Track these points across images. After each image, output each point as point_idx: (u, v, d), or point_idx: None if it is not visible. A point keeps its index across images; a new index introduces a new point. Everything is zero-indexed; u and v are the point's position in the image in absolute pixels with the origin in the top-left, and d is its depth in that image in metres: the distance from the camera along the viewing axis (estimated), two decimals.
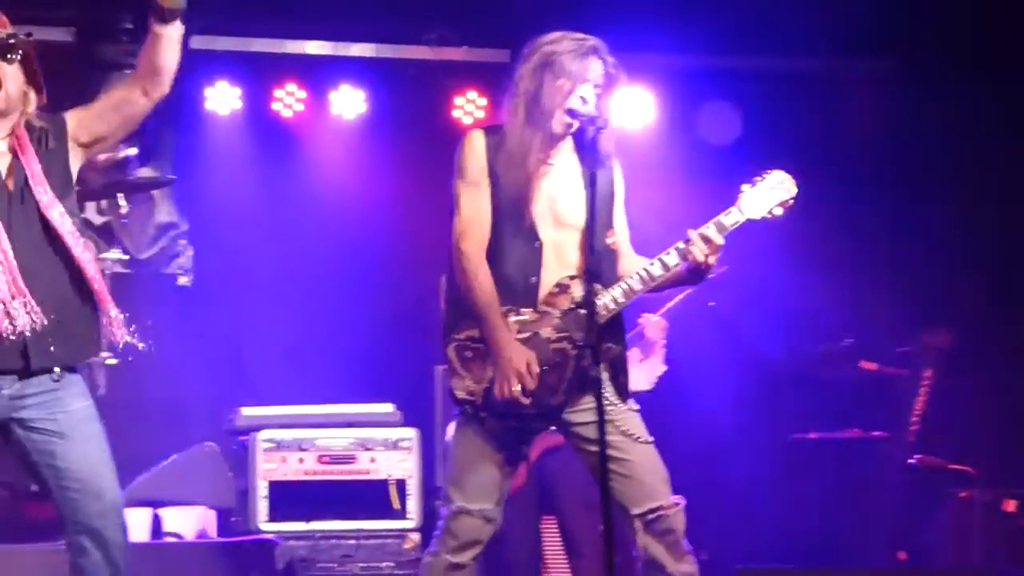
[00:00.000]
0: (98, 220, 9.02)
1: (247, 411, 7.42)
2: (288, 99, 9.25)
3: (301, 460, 7.21)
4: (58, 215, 4.87)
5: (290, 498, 7.15)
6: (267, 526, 7.08)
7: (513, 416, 5.17)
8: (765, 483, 8.79)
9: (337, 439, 7.28)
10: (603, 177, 5.20)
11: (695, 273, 5.25)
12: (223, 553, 6.99)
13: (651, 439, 5.26)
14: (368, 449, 7.28)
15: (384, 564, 7.13)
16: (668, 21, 8.59)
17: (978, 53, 8.77)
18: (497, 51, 9.03)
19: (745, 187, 5.30)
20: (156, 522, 7.39)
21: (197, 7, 8.62)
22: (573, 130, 5.20)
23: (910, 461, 8.23)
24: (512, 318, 5.16)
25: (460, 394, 5.20)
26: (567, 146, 5.30)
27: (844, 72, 9.44)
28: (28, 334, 4.76)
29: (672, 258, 5.21)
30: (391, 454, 7.28)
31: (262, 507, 7.11)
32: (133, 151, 8.18)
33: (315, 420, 7.36)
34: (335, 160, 9.32)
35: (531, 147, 5.16)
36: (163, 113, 8.85)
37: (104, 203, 8.93)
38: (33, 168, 4.89)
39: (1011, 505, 7.86)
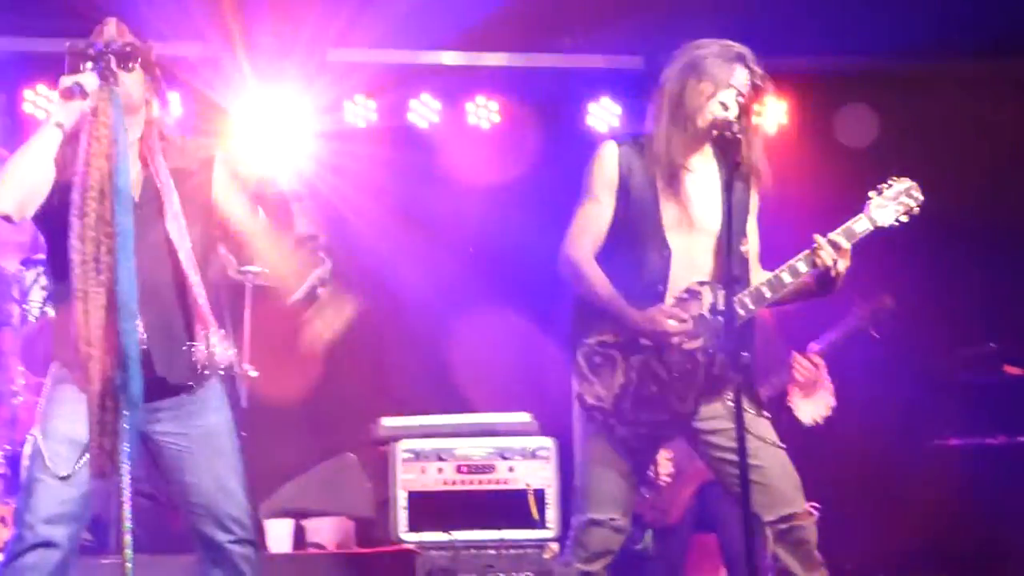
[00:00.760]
0: None
1: (386, 421, 7.46)
2: (423, 110, 9.31)
3: (440, 470, 7.23)
4: (177, 232, 4.93)
5: (430, 508, 7.16)
6: (407, 536, 7.10)
7: (643, 423, 5.14)
8: (904, 489, 8.67)
9: (476, 449, 7.28)
10: (740, 184, 5.17)
11: (823, 283, 5.18)
12: (364, 563, 7.04)
13: (783, 445, 5.20)
14: (506, 459, 7.28)
15: (523, 574, 7.12)
16: (802, 24, 8.50)
17: None
18: (631, 58, 9.02)
19: (872, 195, 5.25)
20: (298, 532, 7.47)
21: (333, 21, 8.79)
22: (713, 135, 5.18)
23: None
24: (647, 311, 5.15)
25: (589, 400, 5.19)
26: (707, 151, 5.28)
27: (982, 74, 9.29)
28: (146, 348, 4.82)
29: (802, 264, 5.17)
30: (529, 463, 7.28)
31: (402, 517, 7.14)
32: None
33: (454, 430, 7.38)
34: (471, 170, 9.35)
35: (672, 148, 5.17)
36: (305, 126, 9.01)
37: None
38: (162, 180, 4.96)
39: None
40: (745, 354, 5.13)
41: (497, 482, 7.26)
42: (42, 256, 7.26)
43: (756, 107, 5.30)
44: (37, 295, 7.16)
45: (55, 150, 4.82)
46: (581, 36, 9.09)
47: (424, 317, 9.06)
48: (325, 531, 7.50)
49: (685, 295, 5.18)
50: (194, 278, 4.96)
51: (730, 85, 5.15)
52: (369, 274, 9.08)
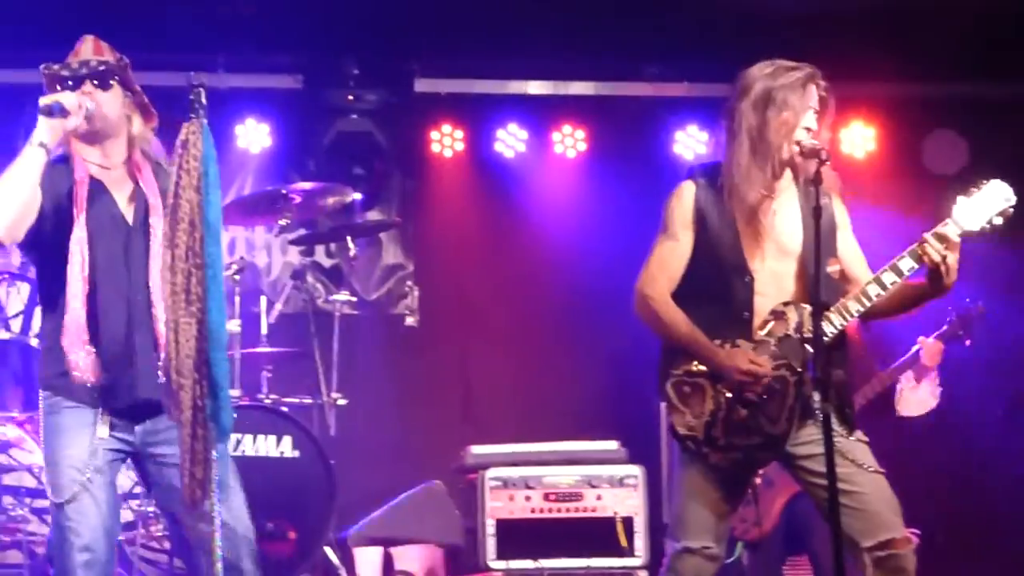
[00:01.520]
0: (327, 263, 9.23)
1: (474, 449, 7.48)
2: (510, 139, 9.35)
3: (528, 498, 7.24)
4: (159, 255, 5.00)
5: (518, 536, 7.17)
6: (495, 564, 7.11)
7: (735, 448, 5.13)
8: (1009, 514, 8.60)
9: (563, 477, 7.29)
10: (825, 206, 5.15)
11: (935, 280, 5.11)
12: None
13: (882, 470, 5.16)
14: (594, 487, 7.28)
15: None
16: (888, 49, 8.47)
17: None
18: (718, 85, 8.99)
19: (960, 198, 5.15)
20: (387, 560, 7.50)
21: (421, 52, 8.85)
22: (798, 161, 5.16)
23: None
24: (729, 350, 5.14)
25: (681, 430, 5.18)
26: (786, 175, 5.27)
27: None
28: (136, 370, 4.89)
29: (906, 262, 5.10)
30: (617, 491, 7.27)
31: (490, 545, 7.15)
32: (357, 195, 8.35)
33: (541, 458, 7.39)
34: (557, 199, 9.37)
35: (755, 182, 5.14)
36: (389, 157, 9.08)
37: (333, 246, 9.13)
38: (153, 201, 5.00)
39: None
40: (839, 372, 5.10)
41: (585, 510, 7.26)
42: None
43: (827, 121, 5.26)
44: None
45: (40, 170, 4.81)
46: (667, 63, 9.10)
47: (511, 346, 9.09)
48: (414, 559, 7.52)
49: (770, 317, 5.16)
50: (157, 302, 4.96)
51: (808, 108, 5.14)
52: (456, 304, 9.13)
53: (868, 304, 5.13)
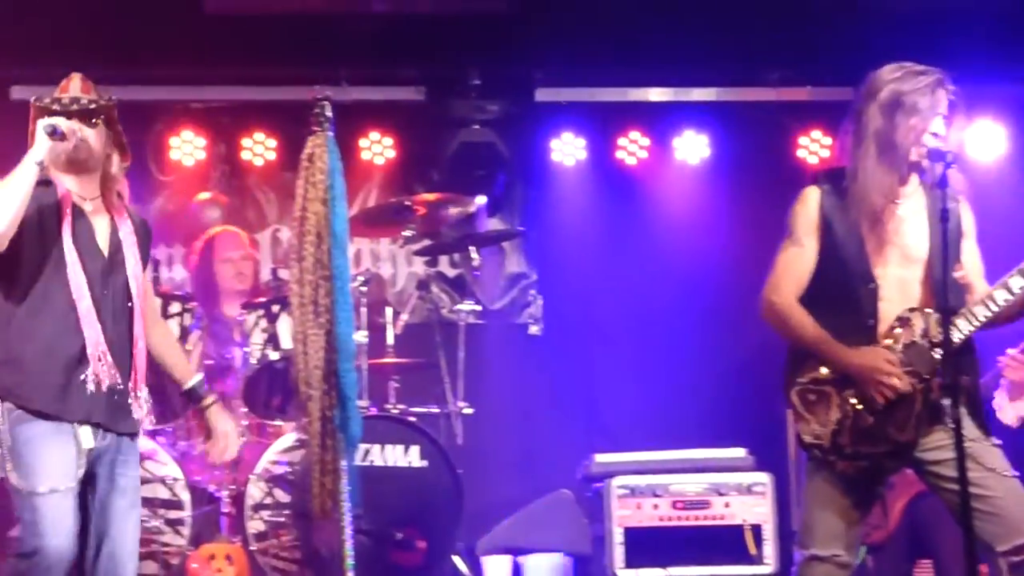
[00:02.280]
0: (451, 272, 9.28)
1: (601, 458, 7.48)
2: (632, 147, 9.34)
3: (656, 506, 7.23)
4: (137, 286, 5.07)
5: (646, 544, 7.16)
6: (624, 572, 7.11)
7: (863, 456, 5.08)
8: None
9: (691, 484, 7.27)
10: (952, 210, 5.09)
11: None
12: None
13: (1016, 474, 5.09)
14: (722, 494, 7.25)
15: None
16: (1016, 49, 8.34)
17: None
18: (841, 89, 8.91)
19: None
20: (516, 570, 7.52)
21: (543, 62, 8.87)
22: (924, 165, 5.11)
23: None
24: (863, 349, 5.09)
25: (807, 439, 5.15)
26: (912, 180, 5.22)
27: None
28: (107, 392, 4.93)
29: (1017, 280, 5.05)
30: (745, 499, 7.24)
31: (618, 553, 7.15)
32: (482, 199, 8.39)
33: (668, 466, 7.37)
34: (680, 206, 9.34)
35: (882, 187, 5.10)
36: (511, 167, 9.11)
37: (457, 256, 9.17)
38: (125, 235, 5.09)
39: None
40: (966, 377, 5.04)
41: (713, 518, 7.23)
42: (263, 300, 7.47)
43: (955, 124, 5.21)
44: (258, 338, 7.34)
45: (33, 185, 4.90)
46: (789, 68, 9.03)
47: (635, 353, 9.07)
48: (542, 568, 7.53)
49: (896, 323, 5.12)
50: (139, 332, 5.06)
51: (937, 113, 5.09)
52: (580, 312, 9.13)
53: (996, 310, 5.07)
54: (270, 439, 7.37)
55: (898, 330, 5.11)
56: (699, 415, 8.72)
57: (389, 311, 7.89)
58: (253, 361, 7.33)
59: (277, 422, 7.42)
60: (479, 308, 8.36)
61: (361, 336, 7.34)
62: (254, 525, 7.09)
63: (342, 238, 4.98)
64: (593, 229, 9.31)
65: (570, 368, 9.07)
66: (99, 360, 4.91)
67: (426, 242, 8.29)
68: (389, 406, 7.58)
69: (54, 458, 4.87)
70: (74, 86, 5.12)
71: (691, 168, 9.38)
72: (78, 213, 5.03)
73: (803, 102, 9.21)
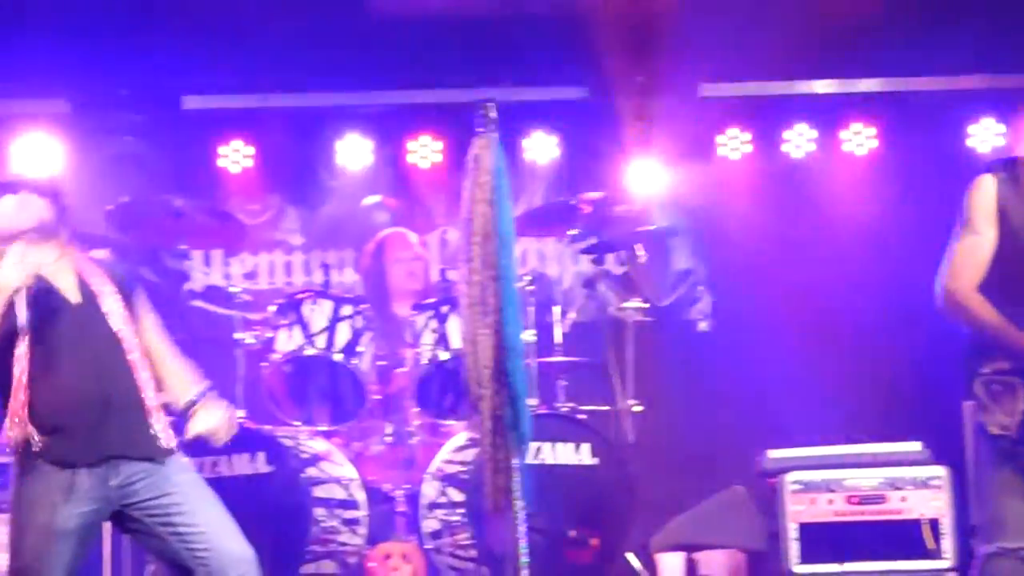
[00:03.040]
0: (618, 270, 9.28)
1: (774, 453, 7.42)
2: (798, 140, 9.26)
3: (830, 501, 7.15)
4: (121, 322, 5.16)
5: (821, 540, 7.10)
6: (799, 568, 7.05)
7: None
8: None
9: (866, 479, 7.18)
10: None
11: None
12: None
13: None
14: (898, 488, 7.16)
15: None
16: None
17: None
18: (1017, 77, 8.76)
19: None
20: (690, 566, 7.50)
21: (705, 57, 8.83)
22: None
23: None
24: None
25: (993, 430, 5.08)
26: None
27: None
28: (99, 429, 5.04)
29: None
30: (922, 493, 7.13)
31: (793, 549, 7.09)
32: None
33: (843, 460, 7.29)
34: (848, 199, 9.24)
35: None
36: (676, 162, 9.09)
37: (623, 253, 9.17)
38: (93, 284, 5.21)
39: None
40: None
41: (889, 512, 7.14)
42: (432, 300, 7.54)
43: None
44: (428, 338, 7.41)
45: None
46: (963, 55, 8.88)
47: (806, 347, 8.98)
48: (717, 564, 7.51)
49: None
50: (137, 360, 5.15)
51: None
52: (748, 307, 9.07)
53: None
54: (443, 439, 7.43)
55: None
56: (873, 409, 8.62)
57: (556, 310, 7.91)
58: (424, 361, 7.40)
59: (449, 421, 7.49)
60: (647, 305, 8.34)
61: (529, 335, 7.37)
62: (429, 524, 7.15)
63: (508, 238, 5.00)
64: (760, 223, 9.24)
65: (740, 363, 9.02)
66: None
67: (592, 240, 8.30)
68: (558, 404, 7.60)
69: None
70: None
71: (859, 160, 9.27)
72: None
73: (974, 90, 9.07)
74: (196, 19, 8.17)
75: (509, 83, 8.85)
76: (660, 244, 9.23)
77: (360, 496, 7.19)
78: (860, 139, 9.25)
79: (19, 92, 8.62)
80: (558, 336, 7.83)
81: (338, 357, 7.29)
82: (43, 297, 5.09)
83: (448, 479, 7.20)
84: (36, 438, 4.99)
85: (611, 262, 9.23)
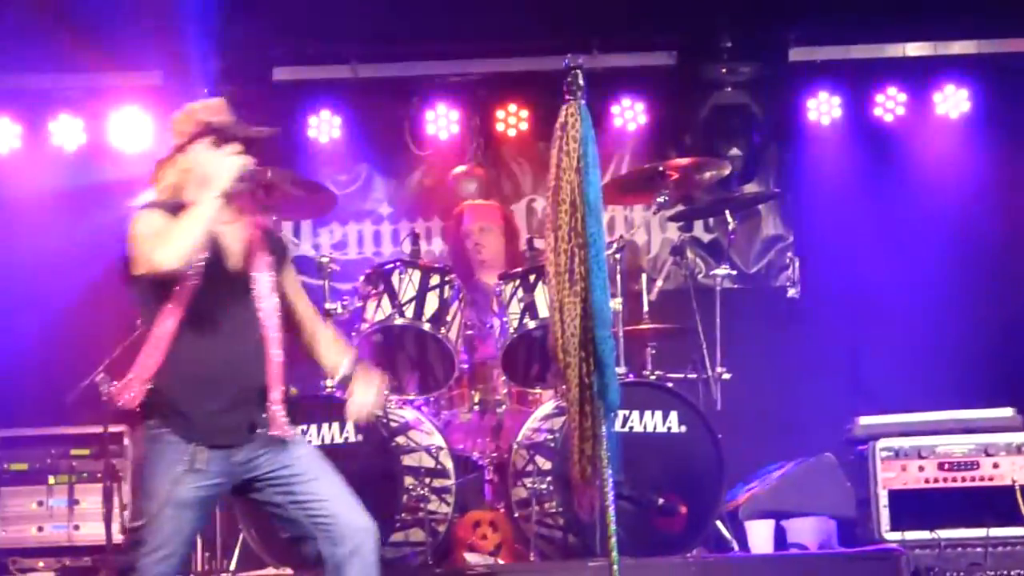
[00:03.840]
0: (706, 237, 9.26)
1: (864, 420, 7.37)
2: (889, 104, 9.18)
3: (921, 468, 7.11)
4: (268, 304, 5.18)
5: (912, 506, 7.05)
6: (890, 535, 7.01)
7: None
8: None
9: (957, 445, 7.13)
10: None
11: None
12: (848, 563, 6.98)
13: None
14: (990, 455, 7.09)
15: (1015, 572, 6.92)
16: None
17: None
18: None
19: None
20: (779, 533, 7.47)
21: (796, 21, 8.76)
22: None
23: None
24: None
25: None
26: None
27: None
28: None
29: None
30: (1015, 459, 7.07)
31: (884, 516, 7.05)
32: (735, 166, 8.34)
33: (933, 427, 7.24)
34: (940, 163, 9.15)
35: None
36: (766, 128, 9.03)
37: (711, 220, 9.14)
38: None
39: None
40: None
41: (981, 479, 7.08)
42: (519, 270, 7.54)
43: None
44: (515, 307, 7.41)
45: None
46: None
47: (896, 313, 8.92)
48: (806, 531, 7.47)
49: None
50: (272, 339, 5.22)
51: None
52: (838, 273, 9.01)
53: None
54: (531, 407, 7.45)
55: None
56: (964, 375, 8.55)
57: (644, 277, 7.89)
58: (511, 330, 7.41)
59: (537, 390, 7.49)
60: (735, 272, 8.31)
61: (616, 303, 7.35)
62: (517, 492, 7.17)
63: (596, 206, 4.99)
64: (850, 189, 9.18)
65: (830, 330, 8.97)
66: None
67: (680, 207, 8.26)
68: (646, 372, 7.59)
69: None
70: (226, 111, 5.33)
71: (951, 123, 9.17)
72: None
73: None
74: None
75: (597, 49, 8.83)
76: (749, 210, 9.19)
77: (448, 464, 7.22)
78: (953, 102, 9.14)
79: (113, 65, 8.70)
80: (645, 304, 7.80)
81: (427, 326, 7.32)
82: (211, 263, 5.09)
83: (536, 447, 7.21)
84: (155, 410, 5.05)
85: (699, 229, 9.22)
